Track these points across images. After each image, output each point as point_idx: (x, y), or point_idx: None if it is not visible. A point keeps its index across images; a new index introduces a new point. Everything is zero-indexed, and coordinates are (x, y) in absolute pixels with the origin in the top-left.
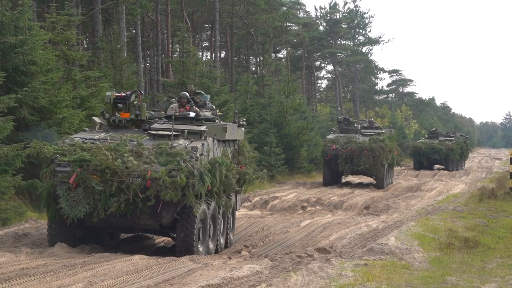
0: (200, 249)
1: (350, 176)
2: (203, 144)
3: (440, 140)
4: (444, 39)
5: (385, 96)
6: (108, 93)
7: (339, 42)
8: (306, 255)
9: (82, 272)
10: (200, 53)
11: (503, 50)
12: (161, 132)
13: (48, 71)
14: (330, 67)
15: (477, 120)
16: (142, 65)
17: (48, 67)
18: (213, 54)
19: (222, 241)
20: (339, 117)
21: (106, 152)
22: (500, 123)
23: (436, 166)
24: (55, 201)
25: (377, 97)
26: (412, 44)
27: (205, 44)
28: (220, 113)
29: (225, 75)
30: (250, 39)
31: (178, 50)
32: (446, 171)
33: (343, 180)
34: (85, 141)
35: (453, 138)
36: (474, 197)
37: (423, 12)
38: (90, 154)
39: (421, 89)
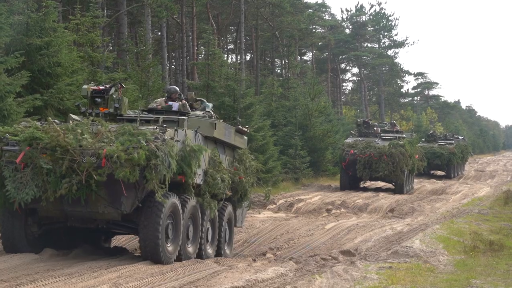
0: (170, 248)
1: (368, 181)
2: (176, 130)
3: (439, 144)
4: (470, 41)
5: (410, 99)
6: (84, 86)
7: (364, 44)
8: (330, 257)
9: (107, 273)
10: (226, 56)
11: None
12: (131, 118)
13: (73, 72)
14: (355, 70)
15: (503, 123)
16: (168, 67)
17: (73, 68)
18: (238, 57)
19: (209, 251)
20: (358, 120)
21: (57, 128)
22: None
23: (433, 172)
24: (3, 185)
25: (402, 100)
26: (437, 47)
27: (231, 46)
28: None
29: (250, 77)
30: (275, 42)
31: (204, 52)
32: (447, 178)
33: (361, 186)
34: (43, 124)
35: (453, 142)
36: (499, 200)
37: (448, 14)
38: (42, 132)
39: (447, 92)
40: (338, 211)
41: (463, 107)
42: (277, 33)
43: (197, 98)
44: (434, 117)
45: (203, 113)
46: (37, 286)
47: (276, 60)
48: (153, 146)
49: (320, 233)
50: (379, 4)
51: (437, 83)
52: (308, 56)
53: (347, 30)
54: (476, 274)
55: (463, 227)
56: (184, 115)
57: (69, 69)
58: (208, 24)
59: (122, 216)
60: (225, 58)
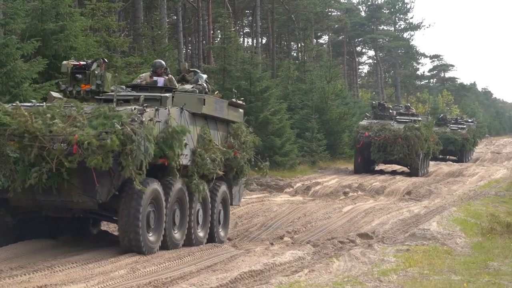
0: (151, 238)
1: (382, 164)
2: (157, 110)
3: (451, 129)
4: (486, 23)
5: (426, 81)
6: (64, 62)
7: (380, 27)
8: (348, 240)
9: (124, 259)
10: (241, 39)
11: None
12: (108, 98)
13: (89, 57)
14: (371, 53)
15: None
16: (184, 51)
17: (89, 53)
18: (254, 40)
19: (200, 234)
20: (373, 102)
21: (25, 113)
22: None
23: (443, 157)
24: None
25: (418, 83)
26: (453, 29)
27: (246, 30)
28: (218, 94)
29: (266, 61)
30: (291, 25)
31: (220, 36)
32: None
33: (375, 169)
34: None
35: (465, 126)
36: None
37: None
38: (11, 118)
39: (462, 74)
40: (355, 194)
41: (479, 89)
42: (293, 16)
43: (191, 69)
44: (450, 99)
45: (192, 87)
46: (54, 272)
47: (292, 43)
48: (128, 129)
49: (337, 216)
50: None
51: (453, 65)
52: (324, 39)
53: (362, 13)
54: (493, 256)
55: (480, 209)
56: (170, 91)
57: (85, 54)
58: (224, 7)
59: (99, 204)
60: (241, 42)
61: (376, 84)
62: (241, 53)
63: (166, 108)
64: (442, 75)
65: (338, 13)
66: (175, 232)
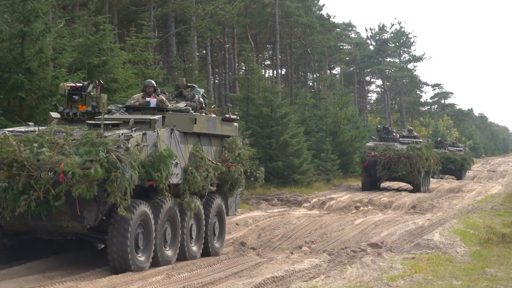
0: (141, 258)
1: (387, 182)
2: (144, 134)
3: (450, 150)
4: (482, 55)
5: (428, 107)
6: (61, 84)
7: (387, 59)
8: (360, 249)
9: (161, 266)
10: (263, 71)
11: None
12: (98, 123)
13: (128, 87)
14: (379, 82)
15: None
16: (212, 82)
17: (128, 84)
18: (275, 71)
19: (194, 248)
20: (378, 126)
21: (13, 142)
22: None
23: (443, 176)
24: None
25: (421, 108)
26: (452, 60)
27: (267, 62)
28: (215, 108)
29: (285, 90)
30: (307, 58)
31: (244, 68)
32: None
33: (381, 186)
34: (9, 133)
35: (461, 148)
36: (510, 197)
37: (462, 30)
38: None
39: (461, 101)
40: (365, 208)
41: (476, 114)
42: (308, 50)
43: (188, 84)
44: (450, 123)
45: (186, 104)
46: (97, 278)
47: (308, 74)
48: (114, 157)
49: (350, 228)
50: (399, 23)
51: (452, 93)
52: (337, 70)
53: (371, 47)
54: (490, 263)
55: (477, 221)
56: (163, 111)
57: (124, 84)
58: (247, 42)
59: (89, 228)
60: (263, 73)
61: (384, 110)
62: (263, 83)
63: (155, 131)
64: (443, 101)
65: (349, 47)
66: (167, 249)
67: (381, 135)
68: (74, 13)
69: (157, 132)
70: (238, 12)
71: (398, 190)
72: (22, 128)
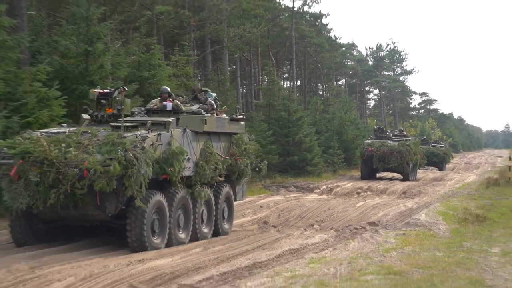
0: (156, 240)
1: (382, 172)
2: (159, 134)
3: (434, 146)
4: (461, 67)
5: (416, 111)
6: (91, 90)
7: (383, 73)
8: (360, 227)
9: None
10: (282, 82)
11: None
12: (119, 124)
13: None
14: (376, 91)
15: (484, 128)
16: (240, 91)
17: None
18: (291, 83)
19: (205, 230)
20: (375, 127)
21: (44, 143)
22: (501, 130)
23: (428, 168)
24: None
25: (410, 113)
26: (436, 72)
27: (286, 75)
28: (226, 109)
29: (300, 97)
30: (318, 72)
31: (266, 80)
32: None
33: (377, 176)
34: (43, 134)
35: (443, 145)
36: (482, 184)
37: (445, 47)
38: (33, 146)
39: (443, 106)
40: (365, 193)
41: (455, 117)
42: (319, 65)
43: (202, 89)
44: (434, 125)
45: (199, 107)
46: (147, 251)
47: (318, 84)
48: (131, 155)
49: (352, 209)
50: (393, 43)
51: (436, 100)
52: (342, 81)
53: (370, 62)
54: (466, 238)
55: (456, 204)
56: (177, 114)
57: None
58: (269, 59)
59: (111, 217)
60: (282, 84)
61: (380, 114)
62: (281, 92)
63: (169, 131)
64: (428, 107)
65: (352, 62)
66: (180, 232)
67: (377, 134)
68: (128, 36)
69: (171, 132)
70: (262, 34)
71: (391, 179)
72: (55, 130)
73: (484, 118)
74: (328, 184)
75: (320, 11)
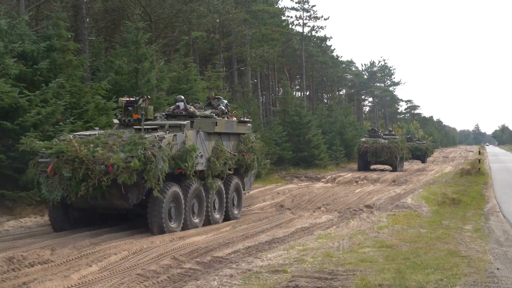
0: (173, 225)
1: (375, 165)
2: (175, 135)
3: (417, 143)
4: (439, 79)
5: (403, 115)
6: (119, 99)
7: (376, 84)
8: (359, 209)
9: (228, 222)
10: (294, 92)
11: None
12: (142, 127)
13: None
14: (370, 99)
15: (458, 128)
16: (261, 100)
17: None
18: (302, 93)
19: (217, 216)
20: (369, 128)
21: (75, 144)
22: (472, 130)
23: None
24: (40, 189)
25: (398, 116)
26: (420, 83)
27: (297, 87)
28: (236, 114)
29: (309, 105)
30: (323, 84)
31: (281, 90)
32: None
33: (371, 168)
34: (76, 136)
35: (425, 142)
36: (457, 174)
37: (426, 62)
38: (66, 146)
39: (425, 111)
40: (362, 182)
41: (435, 119)
42: (324, 78)
43: (215, 97)
44: (417, 126)
45: (211, 111)
46: (184, 231)
47: (324, 94)
48: (149, 153)
49: (352, 195)
50: (384, 60)
51: (419, 106)
52: (342, 91)
53: (365, 76)
54: (445, 217)
55: (436, 190)
56: (192, 117)
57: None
58: (284, 74)
59: (134, 205)
60: (294, 94)
61: (374, 117)
62: (294, 101)
63: (183, 133)
64: (413, 111)
65: (351, 76)
66: (195, 218)
67: (371, 133)
68: (170, 56)
69: (185, 133)
70: (278, 54)
71: (382, 170)
72: (87, 132)
73: (458, 120)
74: (332, 175)
75: (324, 35)
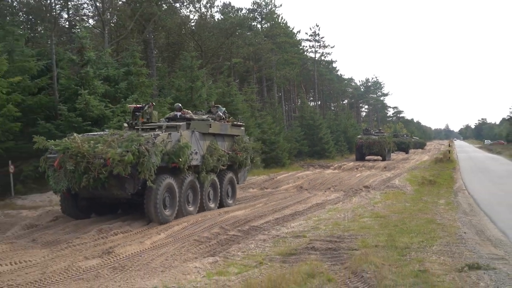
0: (167, 213)
1: (369, 156)
2: (170, 134)
3: (402, 138)
4: (420, 89)
5: (390, 119)
6: (128, 105)
7: (370, 95)
8: (359, 189)
9: (262, 198)
10: (309, 103)
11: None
12: (139, 128)
13: (243, 113)
14: (366, 107)
15: (433, 127)
16: (284, 109)
17: (244, 112)
18: (315, 103)
19: (211, 205)
20: (363, 128)
21: (78, 141)
22: (443, 128)
23: (397, 152)
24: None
25: (387, 119)
26: (404, 93)
27: (311, 98)
28: (232, 120)
29: (320, 112)
30: (330, 96)
31: (300, 101)
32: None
33: (366, 158)
34: (84, 135)
35: (407, 137)
36: (432, 162)
37: (409, 76)
38: (70, 143)
39: (408, 114)
40: (361, 169)
41: (415, 121)
42: (331, 91)
43: (215, 105)
44: (402, 126)
45: (207, 116)
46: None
47: (331, 103)
48: (143, 148)
49: (354, 178)
50: (376, 77)
51: (403, 111)
52: (345, 101)
53: (362, 89)
54: (424, 195)
55: (417, 174)
56: (189, 120)
57: (243, 113)
58: (301, 88)
59: (132, 194)
60: (309, 104)
61: (369, 120)
62: (309, 109)
63: (178, 132)
64: (398, 115)
65: (351, 89)
66: (190, 207)
67: (365, 132)
68: (216, 76)
69: (180, 133)
70: (296, 74)
71: (375, 160)
72: (97, 133)
73: (433, 120)
74: (338, 163)
75: (331, 59)
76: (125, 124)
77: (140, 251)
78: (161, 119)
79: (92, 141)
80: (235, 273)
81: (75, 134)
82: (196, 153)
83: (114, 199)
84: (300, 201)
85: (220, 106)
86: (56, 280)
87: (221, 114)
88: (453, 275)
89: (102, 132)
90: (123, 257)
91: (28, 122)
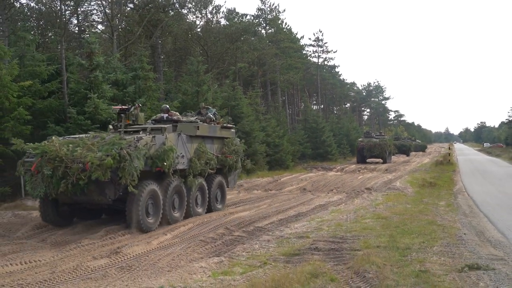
0: (150, 220)
1: (370, 159)
2: (154, 137)
3: (403, 141)
4: (420, 94)
5: (392, 122)
6: (112, 107)
7: (372, 99)
8: (361, 191)
9: (266, 199)
10: (312, 106)
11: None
12: (123, 130)
13: (248, 116)
14: (368, 110)
15: (433, 130)
16: (289, 112)
17: (249, 116)
18: (318, 106)
19: (199, 210)
20: (364, 131)
21: (56, 144)
22: (443, 131)
23: (398, 154)
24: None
25: (389, 123)
26: (404, 97)
27: (314, 102)
28: (223, 121)
29: (323, 115)
30: (333, 99)
31: (303, 105)
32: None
33: (367, 161)
34: (65, 138)
35: (408, 140)
36: (433, 164)
37: (409, 81)
38: (48, 147)
39: (408, 118)
40: (363, 171)
41: (416, 124)
42: (334, 95)
43: (205, 107)
44: (403, 129)
45: (195, 118)
46: (234, 210)
47: (334, 107)
48: (124, 152)
49: (356, 180)
50: (378, 81)
51: (404, 114)
52: (347, 105)
53: (364, 93)
54: (425, 196)
55: (418, 176)
56: (176, 122)
57: (246, 115)
58: (305, 93)
59: (114, 200)
60: (312, 107)
61: (371, 124)
62: (312, 112)
63: (163, 135)
64: (399, 119)
65: (353, 93)
66: (175, 212)
67: (366, 135)
68: (221, 81)
69: (165, 135)
70: (300, 78)
71: (376, 163)
72: (78, 136)
73: (433, 124)
74: (340, 166)
75: (334, 64)
76: (110, 126)
77: (147, 251)
78: (148, 121)
79: (71, 145)
80: (240, 273)
81: (53, 137)
82: (182, 156)
83: (95, 205)
84: (304, 203)
85: (210, 107)
86: (65, 279)
87: (211, 115)
88: (453, 275)
89: (83, 135)
90: (131, 257)
91: (38, 125)
